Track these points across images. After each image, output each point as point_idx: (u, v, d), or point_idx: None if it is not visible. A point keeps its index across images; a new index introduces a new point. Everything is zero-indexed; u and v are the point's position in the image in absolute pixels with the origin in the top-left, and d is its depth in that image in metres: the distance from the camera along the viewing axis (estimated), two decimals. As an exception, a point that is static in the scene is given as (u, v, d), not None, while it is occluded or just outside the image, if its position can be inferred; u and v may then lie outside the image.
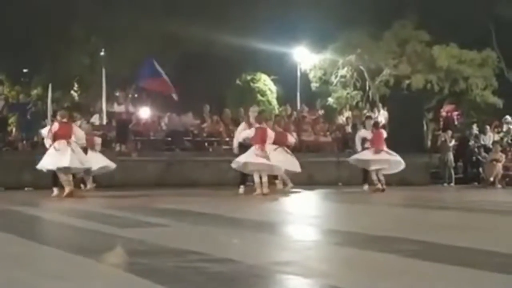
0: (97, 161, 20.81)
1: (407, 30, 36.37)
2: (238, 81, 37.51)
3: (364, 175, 21.90)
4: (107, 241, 8.21)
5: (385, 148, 21.57)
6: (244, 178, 19.63)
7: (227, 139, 26.50)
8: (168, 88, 25.86)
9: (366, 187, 21.55)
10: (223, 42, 34.75)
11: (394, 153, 21.64)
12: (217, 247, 7.46)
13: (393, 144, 25.80)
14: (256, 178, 18.84)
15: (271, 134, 19.40)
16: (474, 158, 28.71)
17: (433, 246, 7.52)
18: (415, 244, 7.63)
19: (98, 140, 22.24)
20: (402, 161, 21.52)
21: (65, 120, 17.98)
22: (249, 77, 37.39)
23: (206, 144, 27.22)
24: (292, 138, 21.95)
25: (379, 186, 20.97)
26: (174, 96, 25.76)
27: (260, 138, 18.89)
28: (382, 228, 9.62)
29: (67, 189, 17.28)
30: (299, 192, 20.45)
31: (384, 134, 22.14)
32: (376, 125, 22.52)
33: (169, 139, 26.62)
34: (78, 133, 18.18)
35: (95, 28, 34.09)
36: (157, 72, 25.71)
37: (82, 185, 21.02)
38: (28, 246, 7.84)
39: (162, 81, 25.75)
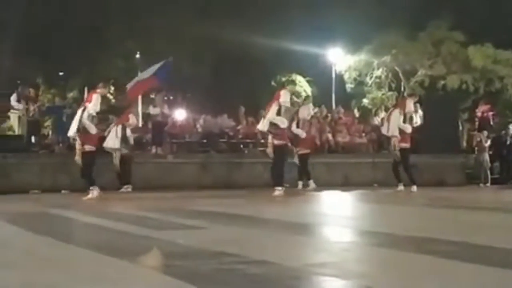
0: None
1: (442, 31, 36.28)
2: (273, 83, 37.54)
3: (396, 175, 21.84)
4: (143, 243, 8.24)
5: None
6: (280, 179, 19.57)
7: (262, 141, 26.53)
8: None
9: (401, 187, 21.47)
10: (258, 44, 34.87)
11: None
12: (253, 249, 7.45)
13: (429, 144, 25.80)
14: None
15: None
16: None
17: (471, 247, 7.44)
18: (452, 245, 7.57)
19: (133, 120, 22.54)
20: None
21: (97, 90, 18.21)
22: (284, 79, 37.41)
23: (241, 146, 27.24)
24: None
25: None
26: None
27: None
28: (419, 228, 9.55)
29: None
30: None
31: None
32: None
33: (205, 141, 26.68)
34: (94, 101, 18.11)
35: (130, 31, 34.29)
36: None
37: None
38: (65, 248, 7.90)
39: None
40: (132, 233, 9.21)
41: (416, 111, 28.71)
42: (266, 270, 6.00)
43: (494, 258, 6.66)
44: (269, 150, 19.31)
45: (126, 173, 22.08)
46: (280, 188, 19.07)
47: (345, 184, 23.84)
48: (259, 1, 36.33)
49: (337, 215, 13.40)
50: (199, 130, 27.61)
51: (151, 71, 26.12)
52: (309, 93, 38.29)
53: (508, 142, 28.87)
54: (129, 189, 21.72)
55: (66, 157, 22.08)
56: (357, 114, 32.00)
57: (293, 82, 36.99)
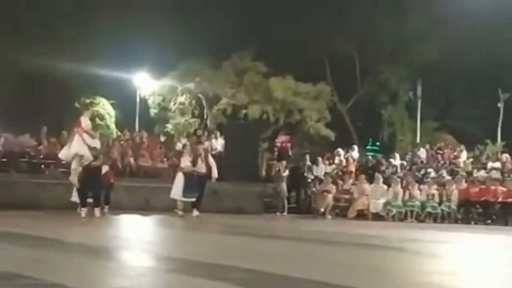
0: None
1: (246, 61, 37.07)
2: (77, 104, 37.10)
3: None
4: None
5: None
6: (84, 200, 19.54)
7: (64, 161, 26.22)
8: None
9: (180, 212, 21.82)
10: (62, 66, 34.31)
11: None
12: (51, 272, 7.43)
13: (229, 172, 26.23)
14: None
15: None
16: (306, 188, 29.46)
17: (262, 275, 7.71)
18: (245, 273, 7.82)
19: None
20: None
21: None
22: (88, 101, 37.04)
23: (42, 166, 26.73)
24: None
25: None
26: None
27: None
28: (215, 255, 9.78)
29: None
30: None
31: None
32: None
33: (5, 160, 26.01)
34: None
35: None
36: None
37: None
38: None
39: None
40: None
41: (216, 138, 29.37)
42: (64, 294, 6.04)
43: (284, 286, 6.99)
44: None
45: None
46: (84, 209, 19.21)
47: (146, 209, 23.84)
48: (67, 24, 35.84)
49: (136, 239, 13.50)
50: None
51: None
52: (113, 116, 38.15)
53: (305, 173, 29.86)
54: None
55: None
56: (162, 139, 32.14)
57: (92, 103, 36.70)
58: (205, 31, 35.87)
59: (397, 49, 39.99)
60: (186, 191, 21.91)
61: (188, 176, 21.97)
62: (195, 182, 21.99)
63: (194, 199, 21.91)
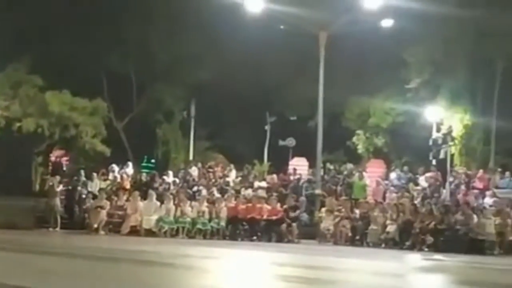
0: None
1: (21, 73, 36.50)
2: None
3: None
4: None
5: None
6: None
7: None
8: None
9: None
10: None
11: None
12: None
13: (0, 186, 25.93)
14: None
15: None
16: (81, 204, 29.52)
17: None
18: None
19: None
20: None
21: None
22: None
23: None
24: None
25: None
26: None
27: None
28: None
29: None
30: None
31: None
32: None
33: None
34: None
35: None
36: None
37: None
38: None
39: None
40: None
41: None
42: None
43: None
44: None
45: None
46: None
47: None
48: None
49: None
50: None
51: None
52: None
53: (79, 188, 29.93)
54: None
55: None
56: None
57: None
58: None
59: (173, 69, 40.77)
60: None
61: None
62: None
63: None
